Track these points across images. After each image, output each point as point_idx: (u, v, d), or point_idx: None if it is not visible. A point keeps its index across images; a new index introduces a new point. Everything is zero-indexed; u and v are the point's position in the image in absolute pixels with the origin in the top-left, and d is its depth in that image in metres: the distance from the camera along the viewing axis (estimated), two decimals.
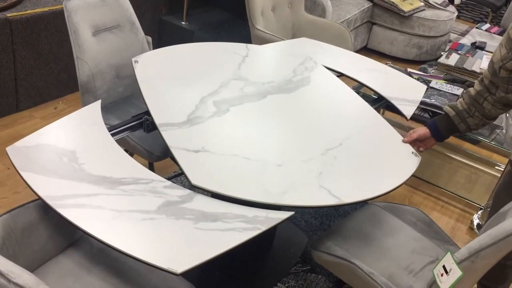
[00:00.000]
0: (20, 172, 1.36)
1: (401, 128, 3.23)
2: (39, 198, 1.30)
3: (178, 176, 2.49)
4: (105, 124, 2.06)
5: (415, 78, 2.51)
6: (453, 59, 3.08)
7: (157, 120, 1.63)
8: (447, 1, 4.64)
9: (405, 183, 1.57)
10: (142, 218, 1.26)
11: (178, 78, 1.89)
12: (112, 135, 1.66)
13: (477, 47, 3.38)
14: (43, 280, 1.31)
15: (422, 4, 4.31)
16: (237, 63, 2.08)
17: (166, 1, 3.70)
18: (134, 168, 1.43)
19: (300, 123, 1.76)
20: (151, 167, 2.39)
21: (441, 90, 2.66)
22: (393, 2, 4.15)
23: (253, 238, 1.25)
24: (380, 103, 2.11)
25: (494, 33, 3.84)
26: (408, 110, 1.99)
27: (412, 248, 1.67)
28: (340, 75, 2.19)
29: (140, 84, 1.81)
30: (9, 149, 1.43)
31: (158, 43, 3.71)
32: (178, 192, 1.36)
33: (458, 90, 2.67)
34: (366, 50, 4.47)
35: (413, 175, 1.63)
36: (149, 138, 2.01)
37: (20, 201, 1.37)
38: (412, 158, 1.67)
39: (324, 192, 1.44)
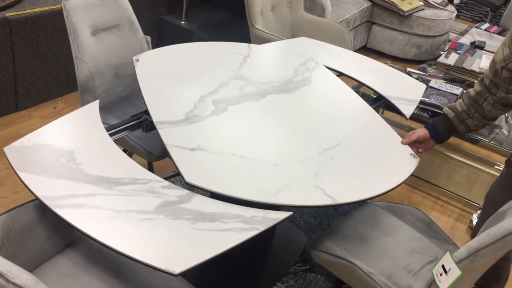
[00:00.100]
0: (18, 172, 1.36)
1: (401, 127, 3.23)
2: (37, 198, 1.29)
3: (176, 176, 2.49)
4: (104, 123, 2.06)
5: (414, 78, 2.51)
6: (452, 59, 3.08)
7: (155, 118, 1.63)
8: (447, 0, 4.64)
9: (401, 184, 1.56)
10: (140, 219, 1.26)
11: (178, 77, 1.89)
12: (111, 134, 1.66)
13: (476, 46, 3.38)
14: (42, 280, 1.31)
15: (421, 3, 4.31)
16: (238, 62, 2.08)
17: (165, 0, 3.70)
18: (132, 168, 1.43)
19: (299, 123, 1.76)
20: (150, 167, 2.39)
21: (440, 90, 2.66)
22: (392, 2, 4.15)
23: (252, 238, 1.25)
24: (380, 103, 2.11)
25: (493, 32, 3.84)
26: (408, 109, 1.99)
27: (411, 248, 1.67)
28: (340, 74, 2.18)
29: (140, 82, 1.81)
30: (6, 149, 1.43)
31: (157, 43, 3.71)
32: (176, 192, 1.36)
33: (457, 90, 2.67)
34: (365, 50, 4.47)
35: (412, 175, 1.63)
36: (148, 138, 2.01)
37: (19, 201, 1.37)
38: (410, 160, 1.66)
39: (319, 192, 1.44)
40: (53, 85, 3.03)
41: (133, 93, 2.30)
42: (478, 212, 2.62)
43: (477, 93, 1.63)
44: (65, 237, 1.49)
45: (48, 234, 1.43)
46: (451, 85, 2.72)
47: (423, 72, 3.21)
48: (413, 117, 2.41)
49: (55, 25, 2.87)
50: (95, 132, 1.55)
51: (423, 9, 4.27)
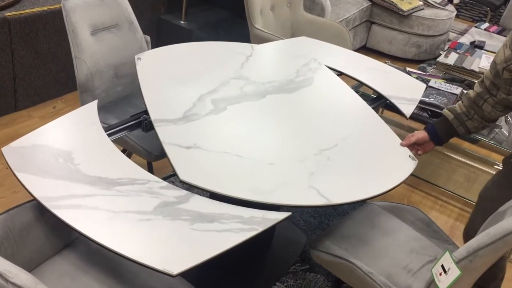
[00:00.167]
0: (16, 172, 1.35)
1: (400, 127, 3.23)
2: (34, 199, 1.29)
3: (175, 175, 2.48)
4: (104, 123, 2.07)
5: (414, 77, 2.51)
6: (452, 58, 3.08)
7: (153, 116, 1.63)
8: (446, 0, 4.64)
9: (398, 186, 1.55)
10: (138, 219, 1.26)
11: (178, 77, 1.89)
12: (110, 134, 1.66)
13: (476, 46, 3.38)
14: (41, 280, 1.31)
15: (421, 3, 4.31)
16: (240, 62, 2.08)
17: (164, 0, 3.70)
18: (130, 168, 1.42)
19: (298, 123, 1.75)
20: (149, 167, 2.38)
21: (440, 89, 2.66)
22: (392, 1, 4.15)
23: (251, 238, 1.25)
24: (380, 102, 2.11)
25: (493, 32, 3.84)
26: (408, 108, 1.99)
27: (411, 248, 1.67)
28: (340, 74, 2.18)
29: (141, 81, 1.81)
30: (4, 150, 1.42)
31: (156, 43, 3.71)
32: (174, 192, 1.36)
33: (457, 89, 2.67)
34: (365, 49, 4.47)
35: (412, 174, 1.63)
36: (147, 138, 2.01)
37: (19, 201, 1.36)
38: (408, 162, 1.66)
39: (313, 192, 1.43)
40: (53, 85, 3.03)
41: (133, 93, 2.30)
42: None
43: (477, 95, 1.62)
44: (64, 238, 1.49)
45: (46, 234, 1.43)
46: (451, 85, 2.72)
47: (422, 71, 3.21)
48: (413, 117, 2.41)
49: (54, 25, 2.87)
50: (94, 133, 1.55)
51: (423, 9, 4.27)
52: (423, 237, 1.73)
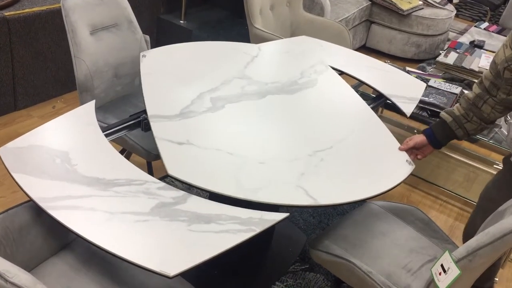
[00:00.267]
0: (12, 173, 1.35)
1: (400, 127, 3.23)
2: (31, 200, 1.28)
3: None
4: (103, 123, 2.07)
5: (413, 77, 2.51)
6: (451, 58, 3.08)
7: (150, 112, 1.64)
8: None
9: (386, 192, 1.53)
10: (135, 220, 1.25)
11: (181, 75, 1.89)
12: (109, 134, 1.66)
13: (476, 45, 3.38)
14: (40, 280, 1.30)
15: (420, 2, 4.31)
16: (245, 62, 2.07)
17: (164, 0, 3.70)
18: (128, 169, 1.42)
19: (295, 123, 1.75)
20: (149, 166, 2.38)
21: (440, 89, 2.66)
22: (391, 1, 4.15)
23: (250, 238, 1.24)
24: (380, 101, 2.11)
25: (492, 31, 3.84)
26: (408, 107, 1.99)
27: (411, 247, 1.67)
28: (340, 73, 2.18)
29: (142, 78, 1.82)
30: (1, 150, 1.41)
31: (156, 42, 3.71)
32: (172, 193, 1.35)
33: (457, 89, 2.67)
34: (364, 49, 4.47)
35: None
36: (147, 137, 2.01)
37: (18, 200, 1.36)
38: (404, 166, 1.64)
39: (301, 192, 1.43)
40: (52, 85, 3.03)
41: (132, 92, 2.30)
42: None
43: (476, 96, 1.61)
44: (61, 239, 1.48)
45: (44, 235, 1.43)
46: (450, 84, 2.72)
47: (422, 71, 3.21)
48: (413, 116, 2.41)
49: (53, 24, 2.87)
50: (91, 133, 1.54)
51: (422, 8, 4.27)
52: (423, 236, 1.73)
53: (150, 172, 2.34)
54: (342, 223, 1.73)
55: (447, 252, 1.37)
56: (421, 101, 2.52)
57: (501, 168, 1.86)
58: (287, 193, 1.42)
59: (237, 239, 1.23)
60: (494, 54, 1.83)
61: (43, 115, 2.90)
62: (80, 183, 1.34)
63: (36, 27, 2.78)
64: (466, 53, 3.17)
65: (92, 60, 2.04)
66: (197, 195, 1.37)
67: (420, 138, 1.71)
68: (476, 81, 1.73)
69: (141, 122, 1.73)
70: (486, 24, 3.98)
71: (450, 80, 2.89)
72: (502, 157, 1.85)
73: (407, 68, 2.94)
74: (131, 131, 1.75)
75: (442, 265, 1.37)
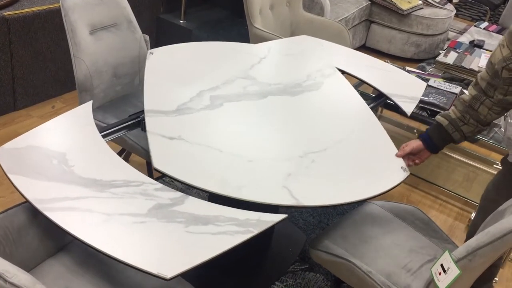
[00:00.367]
0: (8, 174, 1.34)
1: (400, 126, 3.23)
2: (27, 201, 1.28)
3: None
4: (103, 123, 2.07)
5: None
6: (451, 58, 3.08)
7: (147, 107, 1.64)
8: None
9: (373, 197, 1.50)
10: (132, 222, 1.25)
11: (185, 73, 1.89)
12: (109, 134, 1.66)
13: (475, 45, 3.38)
14: (39, 280, 1.30)
15: (420, 2, 4.31)
16: (251, 63, 2.06)
17: None
18: (125, 170, 1.41)
19: (293, 125, 1.74)
20: (149, 166, 2.38)
21: (439, 89, 2.66)
22: (391, 1, 4.15)
23: (246, 241, 1.23)
24: (380, 101, 2.11)
25: (492, 31, 3.84)
26: (408, 107, 1.99)
27: (410, 247, 1.67)
28: (341, 72, 2.18)
29: (146, 74, 1.82)
30: None
31: (155, 42, 3.70)
32: (169, 194, 1.34)
33: (456, 89, 2.67)
34: (364, 49, 4.47)
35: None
36: (146, 137, 2.01)
37: (17, 201, 1.36)
38: (398, 173, 1.60)
39: (285, 192, 1.42)
40: (52, 84, 3.02)
41: (132, 92, 2.30)
42: None
43: (472, 98, 1.60)
44: (59, 240, 1.48)
45: (41, 236, 1.42)
46: (450, 84, 2.72)
47: (422, 71, 3.21)
48: (412, 116, 2.41)
49: (53, 24, 2.86)
50: (88, 134, 1.53)
51: (422, 8, 4.27)
52: (423, 236, 1.73)
53: (150, 172, 2.34)
54: (342, 223, 1.73)
55: (447, 252, 1.36)
56: (421, 101, 2.51)
57: (500, 168, 1.85)
58: (270, 192, 1.41)
59: (235, 240, 1.22)
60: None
61: (42, 115, 2.90)
62: (77, 184, 1.34)
63: (36, 27, 2.78)
64: (465, 53, 3.17)
65: (92, 60, 2.04)
66: (196, 196, 1.36)
67: (416, 143, 1.69)
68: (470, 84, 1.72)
69: (141, 122, 1.73)
70: (485, 23, 3.98)
71: (450, 79, 2.89)
72: (502, 157, 1.84)
73: (407, 68, 2.94)
74: (131, 131, 1.75)
75: (442, 265, 1.37)
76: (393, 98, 2.02)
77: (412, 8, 4.19)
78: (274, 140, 1.64)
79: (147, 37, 2.28)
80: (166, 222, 1.26)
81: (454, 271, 1.32)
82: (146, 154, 2.04)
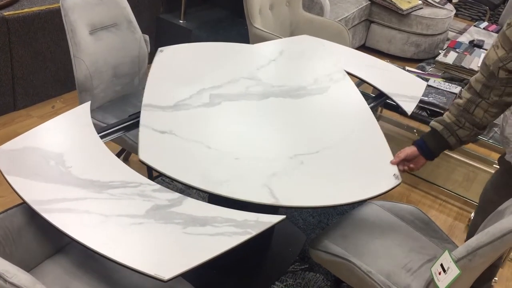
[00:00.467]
0: (6, 175, 1.33)
1: (399, 126, 3.23)
2: (24, 202, 1.27)
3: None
4: (102, 123, 2.07)
5: None
6: (451, 57, 3.08)
7: (144, 101, 1.65)
8: None
9: (353, 203, 1.47)
10: (130, 223, 1.24)
11: (190, 72, 1.90)
12: (108, 134, 1.66)
13: (475, 45, 3.38)
14: (39, 280, 1.30)
15: (420, 2, 4.31)
16: (260, 64, 2.05)
17: None
18: (123, 171, 1.41)
19: (288, 127, 1.72)
20: (148, 167, 2.38)
21: (439, 89, 2.66)
22: (391, 1, 4.15)
23: (245, 242, 1.23)
24: (381, 100, 2.11)
25: (492, 31, 3.84)
26: (409, 106, 1.98)
27: (410, 247, 1.67)
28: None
29: (151, 70, 1.83)
30: None
31: (155, 42, 3.70)
32: (167, 195, 1.34)
33: (456, 89, 2.67)
34: (364, 49, 4.47)
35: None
36: None
37: (17, 201, 1.36)
38: (389, 180, 1.55)
39: (265, 191, 1.41)
40: (51, 84, 3.02)
41: (132, 92, 2.30)
42: None
43: (467, 101, 1.58)
44: (57, 241, 1.47)
45: (39, 237, 1.42)
46: (450, 84, 2.72)
47: (421, 71, 3.21)
48: (412, 116, 2.41)
49: (53, 24, 2.86)
50: (86, 135, 1.53)
51: (422, 8, 4.27)
52: (422, 236, 1.73)
53: (150, 172, 2.34)
54: (341, 223, 1.73)
55: (446, 251, 1.36)
56: (420, 101, 2.51)
57: (497, 168, 1.85)
58: (250, 190, 1.41)
59: (233, 242, 1.22)
60: None
61: (42, 115, 2.90)
62: (75, 185, 1.33)
63: (36, 27, 2.78)
64: (465, 53, 3.17)
65: (92, 60, 2.04)
66: (195, 198, 1.36)
67: (411, 150, 1.65)
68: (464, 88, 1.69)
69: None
70: (485, 23, 3.98)
71: (450, 79, 2.89)
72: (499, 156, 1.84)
73: (407, 68, 2.94)
74: (131, 131, 1.75)
75: (441, 265, 1.37)
76: (394, 98, 2.02)
77: (412, 8, 4.19)
78: (267, 140, 1.63)
79: (147, 37, 2.29)
80: (164, 223, 1.25)
81: (454, 271, 1.32)
82: None
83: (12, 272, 0.99)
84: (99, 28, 2.08)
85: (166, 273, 1.13)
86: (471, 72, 2.97)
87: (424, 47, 4.35)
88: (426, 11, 4.24)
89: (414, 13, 4.19)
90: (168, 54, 1.98)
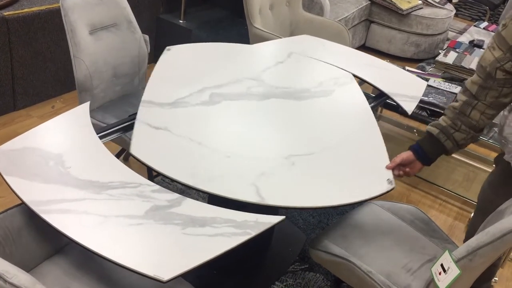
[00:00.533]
0: (4, 176, 1.33)
1: (399, 126, 3.23)
2: (23, 203, 1.27)
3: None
4: (102, 123, 2.07)
5: None
6: (451, 57, 3.08)
7: (144, 98, 1.65)
8: None
9: (341, 206, 1.46)
10: (129, 224, 1.24)
11: (194, 71, 1.90)
12: (108, 134, 1.65)
13: (475, 45, 3.38)
14: (39, 281, 1.30)
15: (420, 2, 4.31)
16: (266, 66, 2.05)
17: None
18: (122, 171, 1.40)
19: (287, 128, 1.71)
20: (148, 167, 2.38)
21: (439, 88, 2.66)
22: (391, 0, 4.15)
23: (244, 243, 1.23)
24: (381, 100, 2.11)
25: (492, 31, 3.84)
26: (409, 106, 1.98)
27: (410, 247, 1.67)
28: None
29: (156, 68, 1.84)
30: None
31: (155, 42, 3.70)
32: (166, 196, 1.34)
33: (456, 88, 2.67)
34: (364, 49, 4.47)
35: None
36: None
37: (18, 201, 1.36)
38: (382, 185, 1.51)
39: (251, 190, 1.40)
40: (51, 84, 3.02)
41: (132, 92, 2.30)
42: None
43: (463, 103, 1.56)
44: (56, 242, 1.47)
45: (38, 238, 1.41)
46: (450, 84, 2.72)
47: (421, 71, 3.21)
48: (412, 116, 2.41)
49: (53, 24, 2.86)
50: (85, 135, 1.52)
51: (422, 8, 4.27)
52: (422, 236, 1.73)
53: (150, 172, 2.34)
54: (341, 223, 1.73)
55: (447, 251, 1.36)
56: (420, 101, 2.51)
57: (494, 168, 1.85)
58: (237, 188, 1.40)
59: (232, 242, 1.21)
60: None
61: (42, 115, 2.90)
62: (74, 186, 1.33)
63: (35, 27, 2.78)
64: (465, 53, 3.17)
65: (92, 60, 2.04)
66: (194, 198, 1.36)
67: (406, 154, 1.63)
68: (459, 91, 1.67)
69: None
70: (485, 23, 3.97)
71: (450, 79, 2.89)
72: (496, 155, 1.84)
73: (407, 68, 2.94)
74: (130, 131, 1.75)
75: (442, 265, 1.37)
76: (394, 97, 2.02)
77: (411, 8, 4.19)
78: (262, 140, 1.62)
79: (147, 37, 2.28)
80: (163, 224, 1.25)
81: (454, 271, 1.32)
82: None
83: (12, 272, 0.99)
84: (99, 28, 2.08)
85: (166, 274, 1.12)
86: (471, 72, 2.97)
87: (424, 47, 4.35)
88: (426, 11, 4.24)
89: (414, 13, 4.19)
90: (175, 53, 1.98)
